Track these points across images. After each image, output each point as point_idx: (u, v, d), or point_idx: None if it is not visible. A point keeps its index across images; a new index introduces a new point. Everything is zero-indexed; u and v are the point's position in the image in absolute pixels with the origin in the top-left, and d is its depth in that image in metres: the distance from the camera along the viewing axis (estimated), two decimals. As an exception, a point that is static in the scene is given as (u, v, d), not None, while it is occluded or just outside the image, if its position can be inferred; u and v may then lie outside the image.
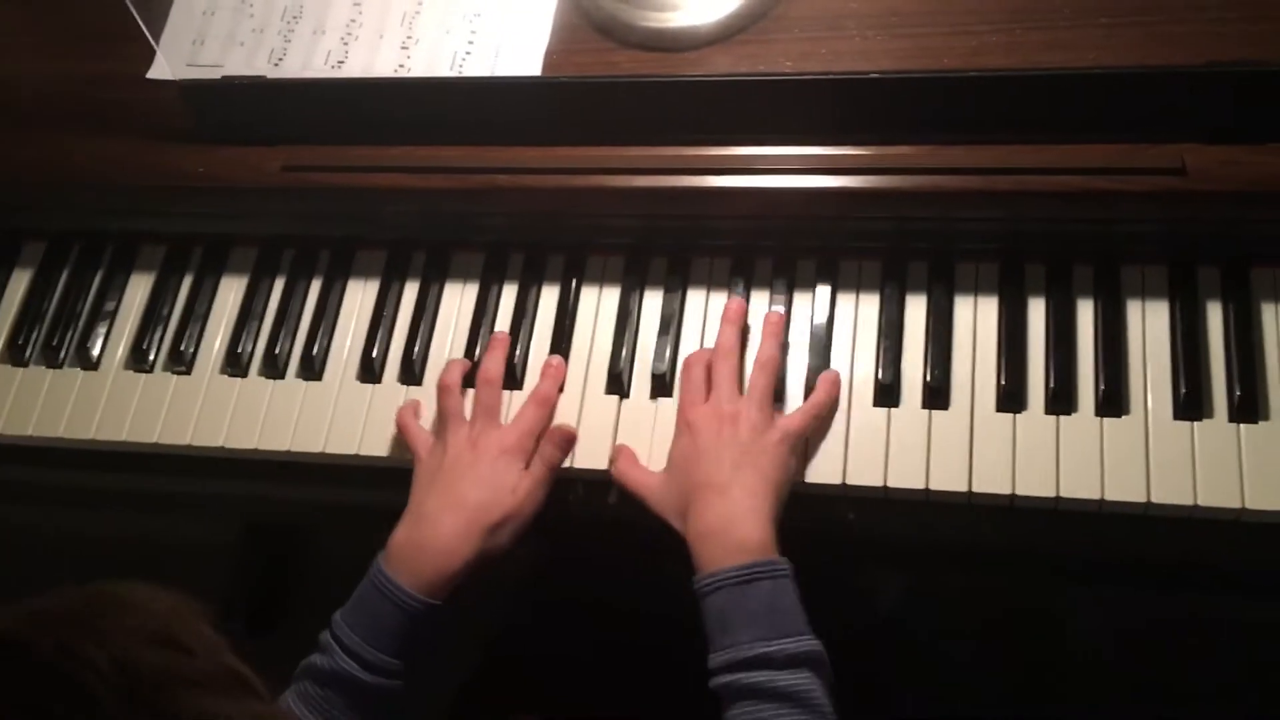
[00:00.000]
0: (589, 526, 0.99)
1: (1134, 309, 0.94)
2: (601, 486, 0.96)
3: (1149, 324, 0.93)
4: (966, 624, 1.24)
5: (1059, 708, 1.21)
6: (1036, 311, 0.95)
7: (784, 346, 0.96)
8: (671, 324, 1.00)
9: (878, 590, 1.20)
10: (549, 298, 1.04)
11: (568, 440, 0.96)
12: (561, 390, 0.99)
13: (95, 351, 1.09)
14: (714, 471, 0.87)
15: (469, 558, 0.89)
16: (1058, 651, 1.24)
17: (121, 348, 1.09)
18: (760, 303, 1.00)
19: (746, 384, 0.94)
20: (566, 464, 0.96)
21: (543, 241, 1.05)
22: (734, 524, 0.85)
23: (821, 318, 0.98)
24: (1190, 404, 0.89)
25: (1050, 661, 1.23)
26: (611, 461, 0.95)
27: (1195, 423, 0.88)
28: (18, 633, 0.46)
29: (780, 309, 0.98)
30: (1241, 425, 0.87)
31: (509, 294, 1.05)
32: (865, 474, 0.92)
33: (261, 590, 1.73)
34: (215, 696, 0.45)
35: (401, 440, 0.99)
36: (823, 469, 0.92)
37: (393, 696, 0.88)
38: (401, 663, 0.88)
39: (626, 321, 1.01)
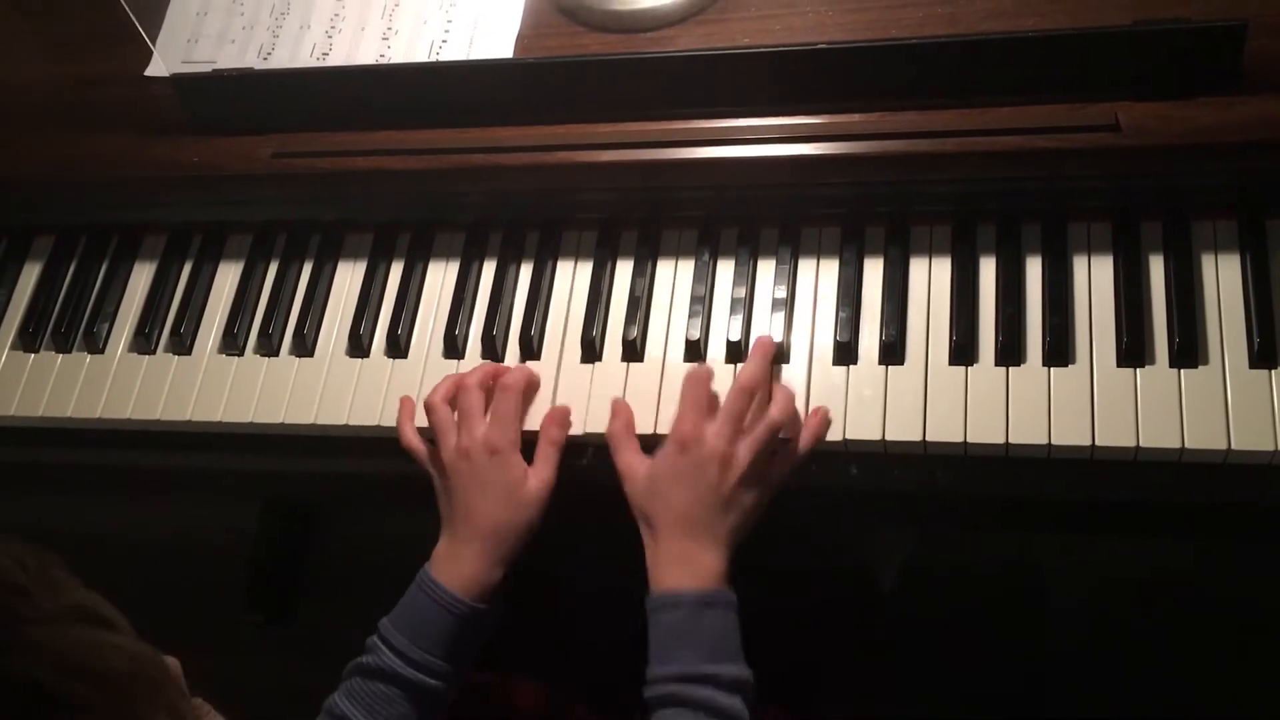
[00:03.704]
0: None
1: (1080, 264, 0.97)
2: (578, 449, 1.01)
3: (1094, 277, 0.97)
4: (929, 576, 1.27)
5: (1023, 658, 1.24)
6: (988, 270, 0.99)
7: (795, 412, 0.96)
8: (641, 293, 1.05)
9: (842, 542, 1.24)
10: (526, 272, 1.09)
11: (564, 417, 0.99)
12: (533, 384, 1.02)
13: (101, 336, 1.15)
14: (691, 507, 0.91)
15: (500, 560, 0.95)
16: (1017, 598, 1.27)
17: (126, 332, 1.15)
18: (727, 270, 1.05)
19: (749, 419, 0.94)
20: (536, 427, 1.00)
21: (520, 219, 1.10)
22: (700, 552, 0.90)
23: (784, 282, 1.02)
24: (1132, 352, 0.92)
25: (1011, 607, 1.26)
26: (610, 421, 0.98)
27: (1138, 369, 0.92)
28: None
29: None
30: (1181, 370, 0.91)
31: (489, 269, 1.10)
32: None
33: (278, 582, 1.79)
34: (55, 629, 0.48)
35: (390, 412, 1.04)
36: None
37: (439, 697, 0.93)
38: (449, 665, 0.93)
39: (599, 291, 1.06)
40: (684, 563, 0.90)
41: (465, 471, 0.96)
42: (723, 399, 0.95)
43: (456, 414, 0.99)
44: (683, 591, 0.89)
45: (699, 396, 0.95)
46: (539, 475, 0.96)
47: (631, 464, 0.95)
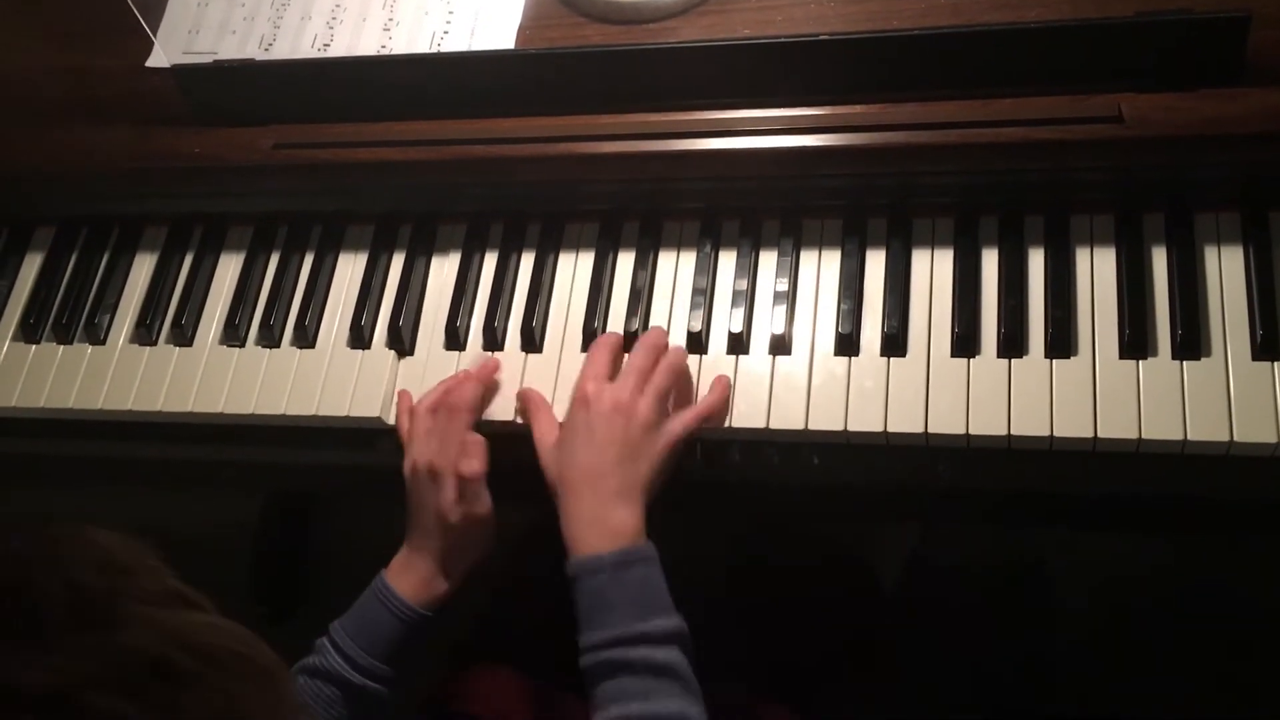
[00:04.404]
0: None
1: (1083, 256, 0.97)
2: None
3: (1097, 270, 0.96)
4: (931, 572, 1.27)
5: (1025, 655, 1.24)
6: (990, 261, 0.99)
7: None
8: (643, 284, 1.05)
9: (841, 534, 1.24)
10: (527, 263, 1.09)
11: (481, 450, 0.97)
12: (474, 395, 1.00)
13: (102, 327, 1.14)
14: (596, 459, 0.91)
15: (450, 568, 0.97)
16: (1020, 595, 1.27)
17: (127, 323, 1.15)
18: (728, 262, 1.05)
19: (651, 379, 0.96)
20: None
21: (521, 210, 1.10)
22: (611, 512, 0.90)
23: (785, 274, 1.02)
24: (1135, 344, 0.92)
25: (1013, 604, 1.26)
26: (520, 403, 1.00)
27: (1140, 361, 0.92)
28: None
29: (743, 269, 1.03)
30: (1184, 362, 0.91)
31: (490, 261, 1.10)
32: (826, 419, 0.96)
33: (281, 576, 1.79)
34: (159, 609, 0.50)
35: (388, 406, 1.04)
36: (785, 415, 0.96)
37: (381, 702, 0.94)
38: (392, 670, 0.94)
39: (601, 283, 1.06)
40: (597, 523, 0.89)
41: (411, 485, 0.98)
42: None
43: (435, 431, 0.98)
44: (601, 554, 0.88)
45: (601, 358, 0.97)
46: (470, 506, 0.96)
47: (544, 431, 0.96)
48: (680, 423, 0.94)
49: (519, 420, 1.01)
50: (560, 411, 0.99)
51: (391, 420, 1.04)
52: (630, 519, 0.90)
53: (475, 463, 0.96)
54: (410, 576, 0.96)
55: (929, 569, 1.37)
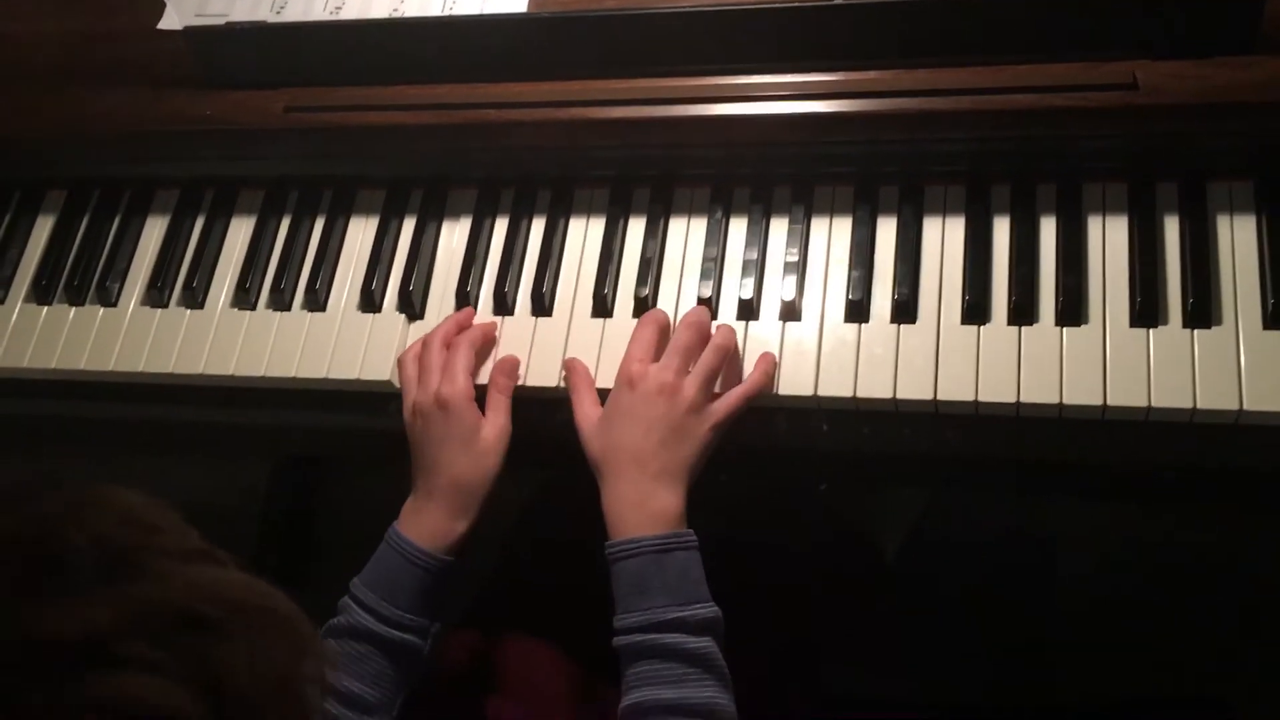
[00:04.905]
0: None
1: (1094, 224, 0.97)
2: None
3: (1109, 238, 0.96)
4: (936, 546, 1.28)
5: (1029, 630, 1.25)
6: (1001, 230, 0.99)
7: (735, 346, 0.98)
8: (654, 250, 1.05)
9: (849, 510, 1.24)
10: (538, 229, 1.09)
11: (513, 367, 1.00)
12: (489, 336, 1.03)
13: (114, 289, 1.15)
14: (642, 443, 0.91)
15: (465, 512, 0.95)
16: (1025, 569, 1.28)
17: (139, 286, 1.15)
18: (739, 229, 1.05)
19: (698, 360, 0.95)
20: (554, 384, 1.01)
21: (532, 175, 1.10)
22: (653, 495, 0.90)
23: (796, 241, 1.02)
24: (1146, 312, 0.92)
25: (1018, 578, 1.27)
26: (565, 376, 0.99)
27: (1151, 329, 0.92)
28: (3, 526, 0.51)
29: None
30: (1195, 331, 0.91)
31: (501, 226, 1.10)
32: (836, 385, 0.96)
33: (291, 541, 1.80)
34: (184, 563, 0.50)
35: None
36: (795, 381, 0.97)
37: (414, 653, 0.93)
38: (421, 619, 0.93)
39: (611, 248, 1.06)
40: (640, 506, 0.89)
41: (421, 427, 0.97)
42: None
43: (419, 371, 1.00)
44: (643, 537, 0.88)
45: (646, 336, 0.96)
46: (492, 423, 0.97)
47: (588, 413, 0.96)
48: (725, 405, 0.94)
49: (561, 385, 1.00)
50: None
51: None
52: (673, 503, 0.90)
53: (460, 384, 0.96)
54: (423, 522, 0.94)
55: (932, 542, 1.37)
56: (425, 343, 1.01)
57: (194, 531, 0.52)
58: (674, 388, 0.92)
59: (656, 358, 0.95)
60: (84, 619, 0.45)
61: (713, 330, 0.97)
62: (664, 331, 0.98)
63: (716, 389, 0.96)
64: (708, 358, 0.94)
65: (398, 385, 1.04)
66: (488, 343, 1.02)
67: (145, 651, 0.44)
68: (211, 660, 0.46)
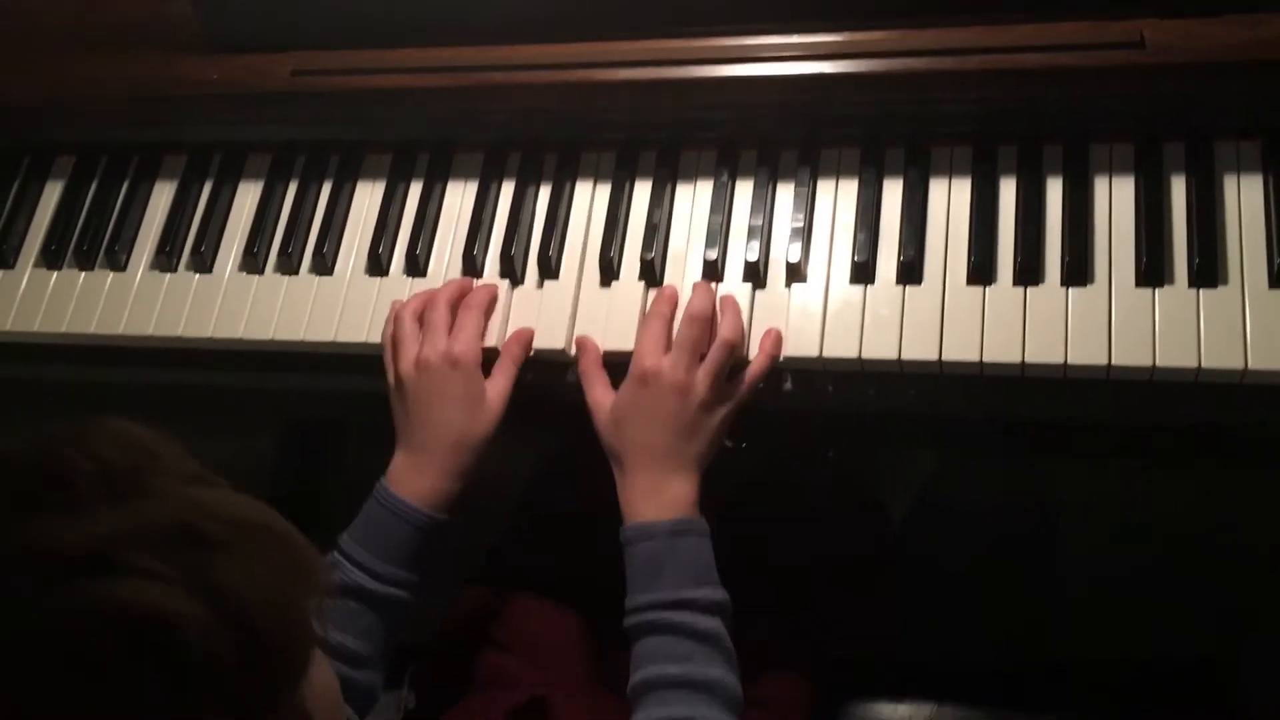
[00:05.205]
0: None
1: (1101, 185, 0.97)
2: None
3: (1116, 198, 0.96)
4: (941, 511, 1.28)
5: (1032, 596, 1.25)
6: (1008, 191, 0.99)
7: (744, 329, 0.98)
8: (661, 213, 1.05)
9: (856, 465, 1.25)
10: (545, 192, 1.09)
11: (528, 339, 1.01)
12: (495, 301, 1.03)
13: (123, 254, 1.15)
14: (656, 438, 0.92)
15: (458, 471, 0.96)
16: (1030, 534, 1.28)
17: (147, 250, 1.15)
18: (745, 191, 1.05)
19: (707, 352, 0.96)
20: (560, 346, 1.01)
21: (539, 139, 1.10)
22: (668, 483, 0.92)
23: (802, 203, 1.02)
24: (1152, 272, 0.92)
25: (1021, 533, 1.27)
26: (577, 357, 1.00)
27: (1156, 289, 0.92)
28: (5, 449, 0.53)
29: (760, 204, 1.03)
30: (1200, 290, 0.91)
31: (508, 190, 1.10)
32: (841, 346, 0.96)
33: (299, 508, 1.81)
34: (184, 485, 0.51)
35: None
36: (801, 343, 0.97)
37: (403, 608, 0.94)
38: (414, 576, 0.94)
39: (618, 212, 1.06)
40: (654, 494, 0.91)
41: (424, 383, 0.97)
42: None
43: (423, 328, 1.00)
44: (656, 522, 0.90)
45: (656, 329, 0.96)
46: (496, 387, 0.98)
47: (599, 399, 0.96)
48: (736, 398, 0.95)
49: (566, 349, 1.01)
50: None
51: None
52: (687, 491, 0.92)
53: (474, 345, 0.97)
54: (417, 480, 0.95)
55: (937, 509, 1.37)
56: (431, 302, 1.01)
57: (194, 460, 0.53)
58: (686, 386, 0.93)
59: (666, 348, 0.96)
60: (85, 532, 0.46)
61: (716, 305, 0.97)
62: (671, 318, 0.98)
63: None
64: (716, 354, 0.94)
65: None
66: (492, 308, 1.03)
67: (145, 562, 0.46)
68: (211, 572, 0.47)
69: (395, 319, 1.01)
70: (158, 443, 0.51)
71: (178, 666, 0.45)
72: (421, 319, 1.01)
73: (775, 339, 0.97)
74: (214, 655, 0.45)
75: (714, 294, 0.99)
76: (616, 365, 0.99)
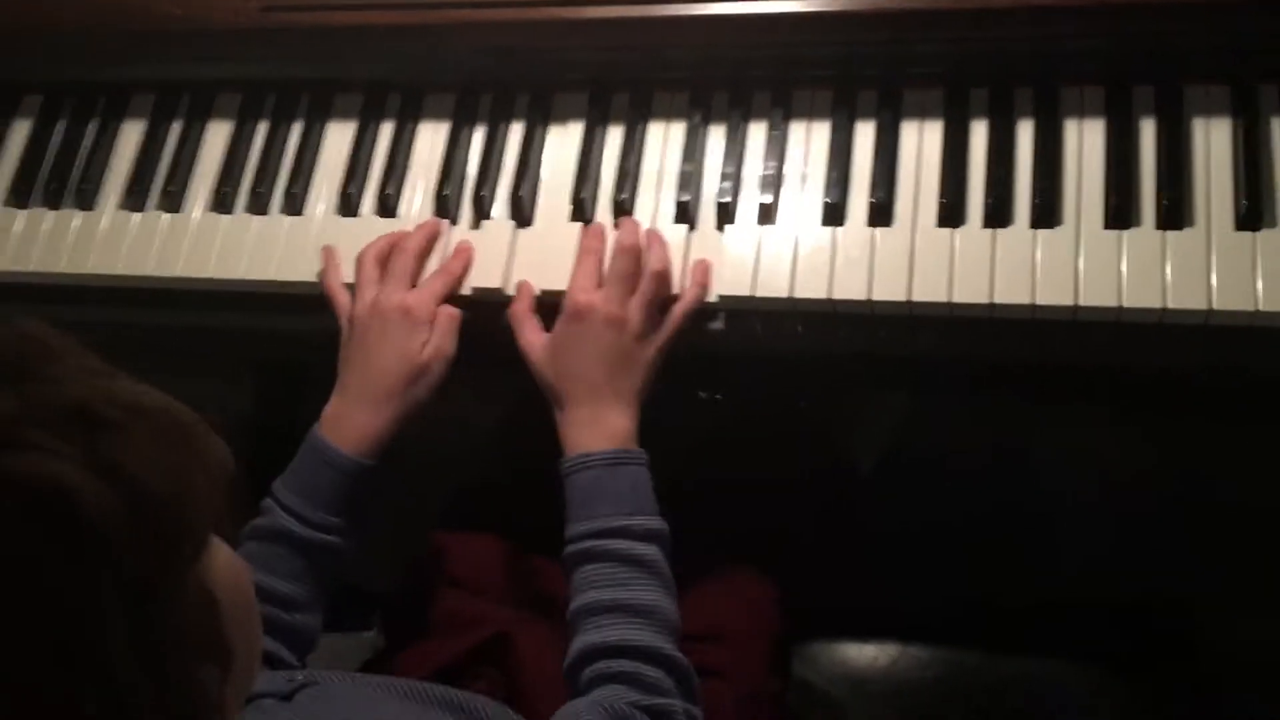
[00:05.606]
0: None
1: (1072, 128, 0.97)
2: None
3: (1086, 141, 0.97)
4: (911, 460, 1.29)
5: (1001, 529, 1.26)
6: (979, 134, 0.99)
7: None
8: (633, 154, 1.05)
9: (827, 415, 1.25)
10: (516, 133, 1.08)
11: (464, 265, 1.01)
12: (468, 268, 1.02)
13: (92, 193, 1.14)
14: (592, 371, 0.93)
15: (389, 420, 0.96)
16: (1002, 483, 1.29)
17: (117, 189, 1.14)
18: (718, 133, 1.05)
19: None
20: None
21: (510, 80, 1.09)
22: (605, 416, 0.92)
23: (775, 145, 1.02)
24: (1120, 213, 0.93)
25: (991, 478, 1.28)
26: (513, 302, 0.99)
27: (1124, 231, 0.92)
28: None
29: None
30: (1168, 232, 0.92)
31: (479, 132, 1.09)
32: (811, 287, 0.96)
33: (269, 460, 1.80)
34: (82, 373, 0.50)
35: None
36: (771, 283, 0.97)
37: (334, 552, 0.94)
38: (342, 521, 0.94)
39: (590, 153, 1.06)
40: (592, 425, 0.92)
41: (374, 329, 0.97)
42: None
43: (385, 274, 1.00)
44: (592, 452, 0.91)
45: (589, 265, 0.97)
46: (439, 348, 0.97)
47: (532, 341, 0.97)
48: (668, 329, 0.96)
49: (542, 290, 1.01)
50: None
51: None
52: (625, 423, 0.92)
53: (431, 303, 0.98)
54: (348, 427, 0.95)
55: (907, 456, 1.38)
56: (399, 248, 1.01)
57: (96, 356, 0.53)
58: (620, 319, 0.93)
59: (598, 284, 0.96)
60: None
61: (642, 243, 0.98)
62: (603, 255, 0.98)
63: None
64: (648, 285, 0.95)
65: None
66: (464, 275, 1.02)
67: (41, 439, 0.46)
68: (106, 449, 0.47)
69: (358, 261, 1.01)
70: (60, 338, 0.51)
71: (72, 536, 0.45)
72: (385, 265, 1.01)
73: (705, 269, 0.98)
74: (108, 526, 0.45)
75: (640, 227, 0.99)
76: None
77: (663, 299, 0.97)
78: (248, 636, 0.57)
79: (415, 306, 0.97)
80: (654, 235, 0.99)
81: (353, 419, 0.96)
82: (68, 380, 0.48)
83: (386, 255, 1.01)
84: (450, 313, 0.99)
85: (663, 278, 0.96)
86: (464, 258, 1.02)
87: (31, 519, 0.45)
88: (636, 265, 0.96)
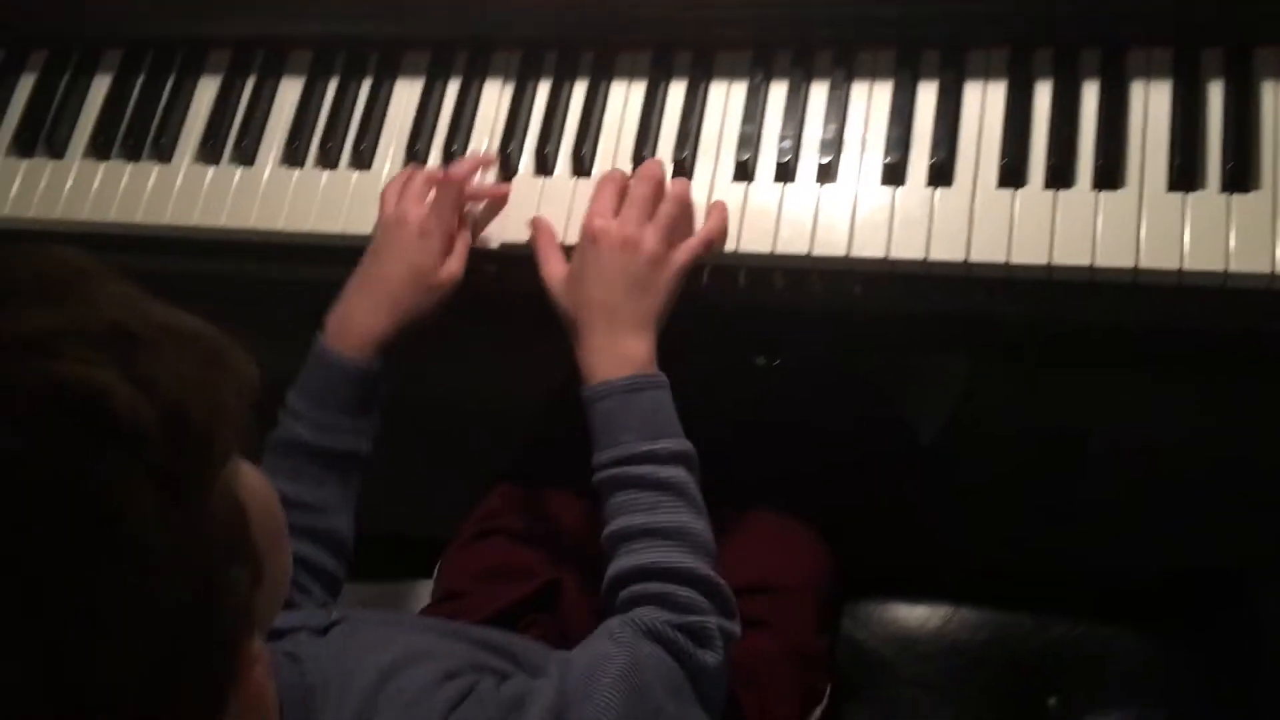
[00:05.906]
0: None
1: (1138, 90, 0.96)
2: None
3: (1151, 103, 0.96)
4: (969, 433, 1.28)
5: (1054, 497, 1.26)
6: (1043, 94, 0.98)
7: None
8: (694, 112, 1.06)
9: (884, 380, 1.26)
10: (580, 91, 1.10)
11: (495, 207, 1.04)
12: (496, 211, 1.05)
13: (169, 147, 1.18)
14: (608, 294, 0.93)
15: (388, 323, 0.98)
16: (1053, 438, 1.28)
17: (192, 143, 1.18)
18: (779, 91, 1.05)
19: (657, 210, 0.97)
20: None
21: (574, 38, 1.11)
22: (622, 341, 0.92)
23: (836, 104, 1.03)
24: (1184, 176, 0.92)
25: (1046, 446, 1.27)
26: (533, 237, 1.02)
27: (1188, 194, 0.92)
28: None
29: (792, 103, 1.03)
30: (1233, 195, 0.91)
31: (543, 88, 1.11)
32: (869, 246, 0.97)
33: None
34: (117, 294, 0.53)
35: None
36: (830, 241, 0.98)
37: (348, 457, 0.97)
38: (354, 420, 0.97)
39: (652, 110, 1.07)
40: (609, 352, 0.92)
41: (391, 236, 1.01)
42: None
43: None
44: (612, 380, 0.91)
45: (608, 192, 0.98)
46: (449, 268, 1.00)
47: (553, 271, 0.98)
48: (685, 252, 0.96)
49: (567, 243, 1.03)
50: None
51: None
52: (642, 348, 0.93)
53: (448, 226, 1.00)
54: (346, 328, 0.98)
55: (965, 424, 1.38)
56: (447, 176, 1.03)
57: (131, 284, 0.55)
58: (635, 240, 0.94)
59: (617, 211, 0.97)
60: (21, 323, 0.48)
61: (667, 180, 0.99)
62: (623, 188, 0.99)
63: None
64: (665, 208, 0.96)
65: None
66: (461, 187, 1.04)
67: (77, 350, 0.48)
68: (139, 361, 0.49)
69: (410, 174, 1.04)
70: (99, 265, 0.54)
71: (108, 432, 0.47)
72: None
73: (724, 207, 1.00)
74: (142, 426, 0.47)
75: (663, 162, 1.01)
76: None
77: (683, 229, 0.97)
78: (276, 555, 0.59)
79: (433, 227, 1.00)
80: (678, 177, 1.00)
81: (352, 319, 0.99)
82: (107, 301, 0.51)
83: (436, 179, 1.04)
84: (469, 240, 1.02)
85: (680, 201, 0.97)
86: (473, 163, 1.05)
87: (69, 415, 0.47)
88: (655, 191, 0.97)
